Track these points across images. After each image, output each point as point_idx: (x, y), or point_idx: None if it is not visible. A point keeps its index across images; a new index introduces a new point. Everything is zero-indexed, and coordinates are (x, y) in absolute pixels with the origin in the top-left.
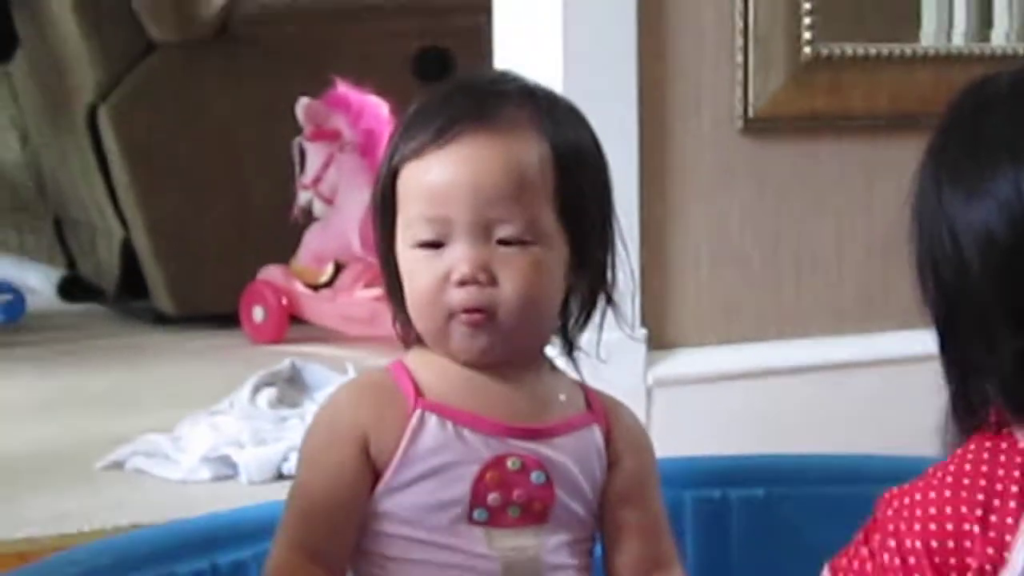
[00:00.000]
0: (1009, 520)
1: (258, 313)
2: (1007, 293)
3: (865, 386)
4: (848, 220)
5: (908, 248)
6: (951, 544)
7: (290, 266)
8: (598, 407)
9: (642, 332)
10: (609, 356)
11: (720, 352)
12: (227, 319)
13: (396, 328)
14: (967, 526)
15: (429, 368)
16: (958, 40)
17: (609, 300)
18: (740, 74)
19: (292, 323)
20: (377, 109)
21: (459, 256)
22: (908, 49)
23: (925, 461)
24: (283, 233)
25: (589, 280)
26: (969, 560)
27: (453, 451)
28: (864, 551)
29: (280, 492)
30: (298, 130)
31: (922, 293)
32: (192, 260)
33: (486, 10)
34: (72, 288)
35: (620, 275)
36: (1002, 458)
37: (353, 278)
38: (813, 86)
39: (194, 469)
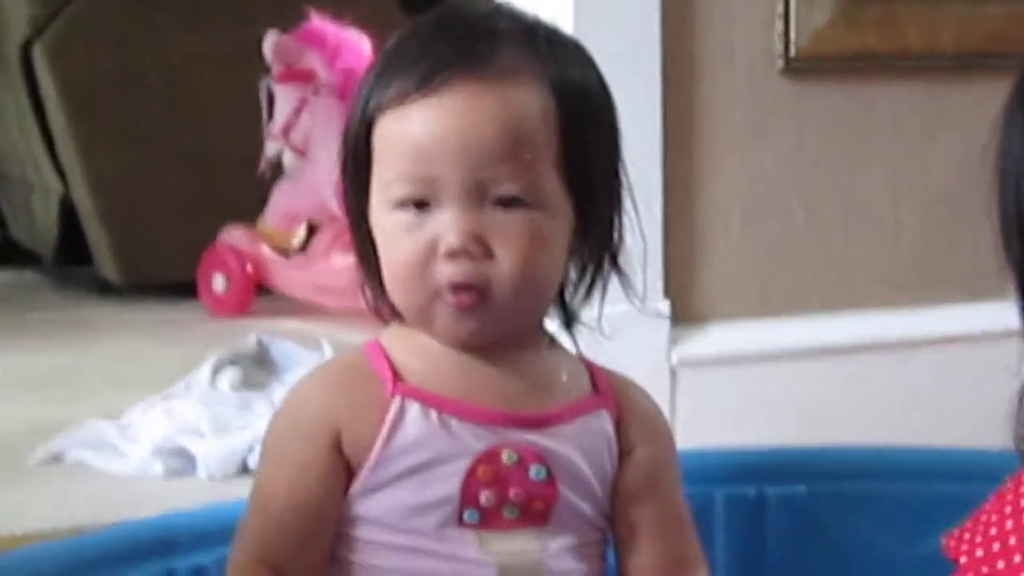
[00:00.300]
0: None
1: (219, 282)
2: None
3: (924, 367)
4: (904, 174)
5: (990, 203)
6: None
7: (256, 227)
8: (606, 388)
9: (664, 304)
10: (626, 332)
11: (755, 327)
12: (183, 288)
13: (367, 301)
14: None
15: (409, 348)
16: None
17: (616, 267)
18: (780, 6)
19: (258, 293)
20: (357, 46)
21: (448, 223)
22: None
23: (992, 456)
24: (248, 189)
25: (595, 246)
26: None
27: (439, 444)
28: None
29: (245, 489)
30: (266, 70)
31: (1006, 255)
32: (142, 221)
33: None
34: (3, 253)
35: (629, 238)
36: None
37: (329, 241)
38: (864, 21)
39: (145, 462)
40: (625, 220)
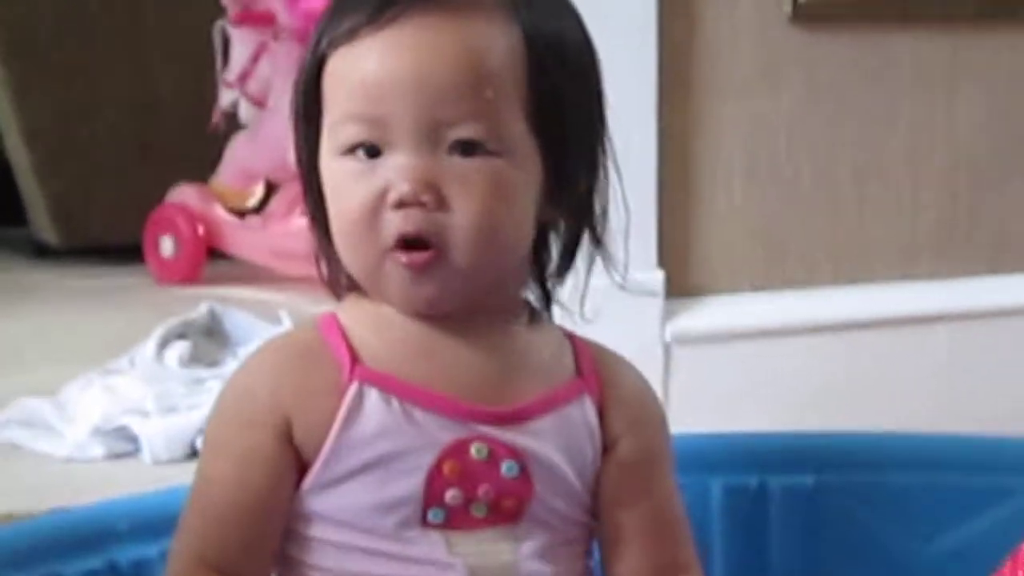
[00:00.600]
0: None
1: (167, 245)
2: None
3: (943, 344)
4: (925, 132)
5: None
6: None
7: (209, 185)
8: (589, 370)
9: (658, 275)
10: (615, 305)
11: (758, 300)
12: (127, 252)
13: (320, 271)
14: None
15: (370, 323)
16: None
17: (596, 241)
18: None
19: (210, 258)
20: None
21: (398, 169)
22: None
23: (1017, 444)
24: (199, 143)
25: (571, 211)
26: None
27: (400, 436)
28: None
29: (193, 474)
30: (220, 11)
31: None
32: (81, 177)
33: None
34: None
35: (612, 209)
36: None
37: (289, 202)
38: None
39: (84, 444)
40: (608, 191)
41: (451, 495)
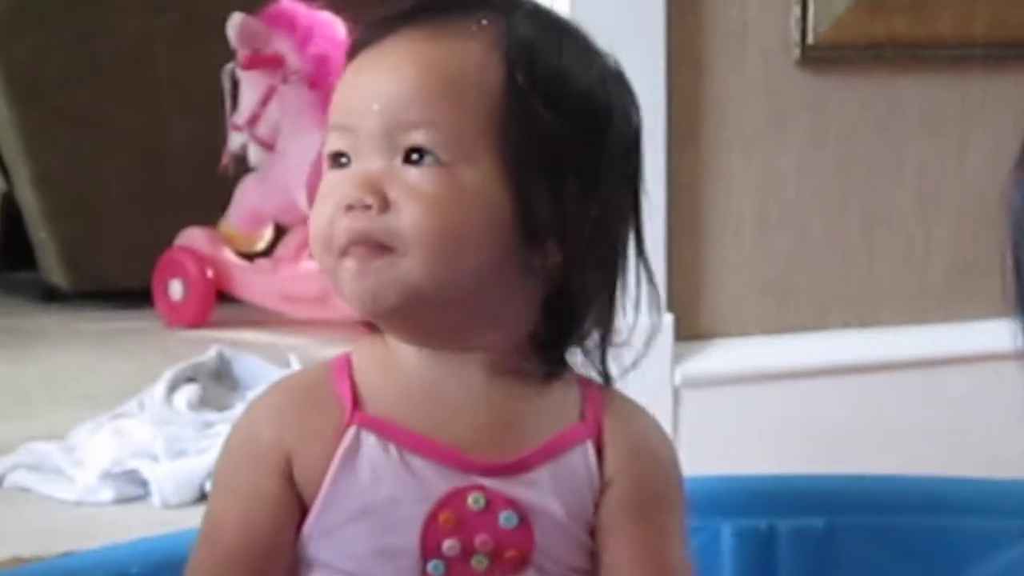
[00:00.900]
0: None
1: (176, 288)
2: None
3: (953, 388)
4: (934, 177)
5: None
6: None
7: (218, 229)
8: (593, 414)
9: (668, 319)
10: (624, 348)
11: (767, 344)
12: (136, 296)
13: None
14: None
15: (378, 367)
16: None
17: (611, 289)
18: None
19: (219, 302)
20: (330, 30)
21: (350, 174)
22: None
23: None
24: (208, 187)
25: (575, 260)
26: None
27: (396, 484)
28: None
29: (202, 517)
30: (230, 55)
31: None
32: (91, 221)
33: None
34: None
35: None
36: None
37: (298, 245)
38: (890, 6)
39: (93, 488)
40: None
41: (448, 545)
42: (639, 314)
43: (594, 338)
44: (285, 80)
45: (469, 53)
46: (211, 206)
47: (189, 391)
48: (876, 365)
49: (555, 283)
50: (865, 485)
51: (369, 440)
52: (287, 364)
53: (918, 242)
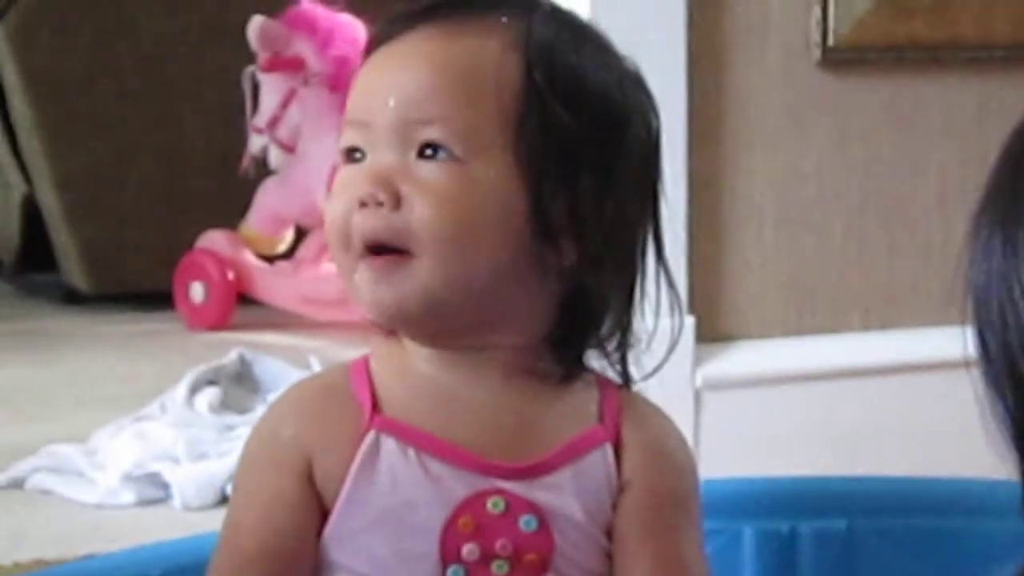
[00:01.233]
0: None
1: (197, 291)
2: None
3: (973, 389)
4: (954, 177)
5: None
6: None
7: (238, 231)
8: (612, 416)
9: (689, 321)
10: (644, 350)
11: (788, 346)
12: (157, 298)
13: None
14: None
15: (395, 370)
16: None
17: (630, 292)
18: None
19: (240, 304)
20: (351, 32)
21: (363, 169)
22: None
23: None
24: (229, 189)
25: (584, 256)
26: None
27: (415, 488)
28: None
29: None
30: (250, 58)
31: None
32: (112, 223)
33: None
34: None
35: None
36: None
37: (319, 247)
38: (911, 7)
39: (115, 490)
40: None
41: (468, 550)
42: (659, 318)
43: (613, 340)
44: (306, 82)
45: (487, 51)
46: (232, 209)
47: (210, 394)
48: (897, 367)
49: (572, 282)
50: (887, 487)
51: (388, 444)
52: (308, 366)
53: (938, 243)
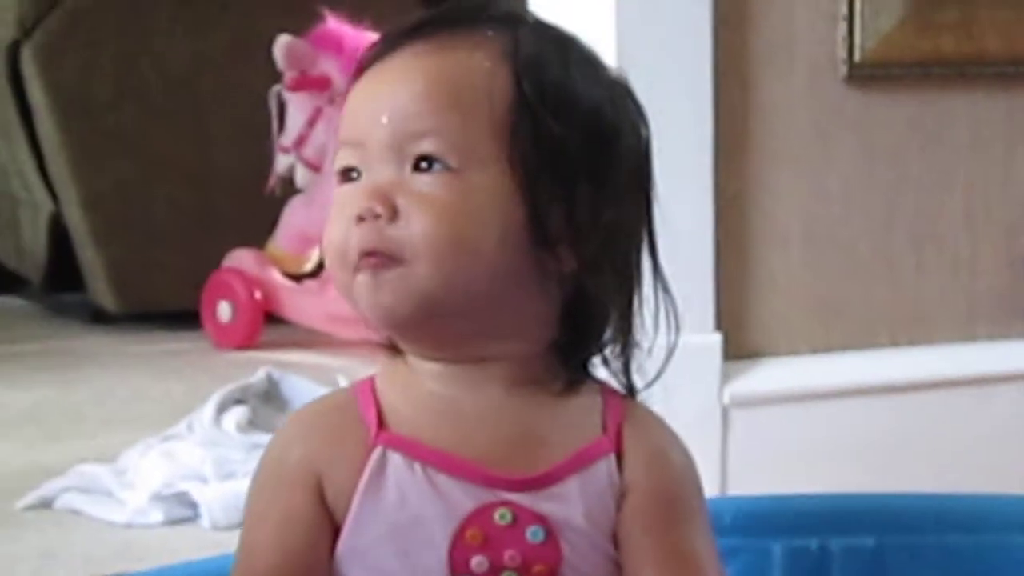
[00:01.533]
0: None
1: (224, 310)
2: None
3: (1003, 406)
4: (982, 196)
5: None
6: None
7: (265, 250)
8: (614, 425)
9: (716, 337)
10: (672, 367)
11: (816, 362)
12: (184, 317)
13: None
14: None
15: (399, 387)
16: None
17: (629, 297)
18: (844, 7)
19: (268, 323)
20: None
21: (360, 186)
22: None
23: None
24: (256, 208)
25: (583, 264)
26: None
27: (422, 502)
28: None
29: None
30: (277, 77)
31: None
32: (139, 242)
33: None
34: None
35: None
36: None
37: None
38: (938, 23)
39: (143, 510)
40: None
41: (476, 562)
42: (658, 324)
43: (615, 347)
44: (332, 101)
45: (477, 63)
46: (258, 227)
47: (238, 413)
48: (925, 383)
49: (572, 288)
50: (916, 504)
51: (395, 460)
52: (335, 385)
53: (966, 260)
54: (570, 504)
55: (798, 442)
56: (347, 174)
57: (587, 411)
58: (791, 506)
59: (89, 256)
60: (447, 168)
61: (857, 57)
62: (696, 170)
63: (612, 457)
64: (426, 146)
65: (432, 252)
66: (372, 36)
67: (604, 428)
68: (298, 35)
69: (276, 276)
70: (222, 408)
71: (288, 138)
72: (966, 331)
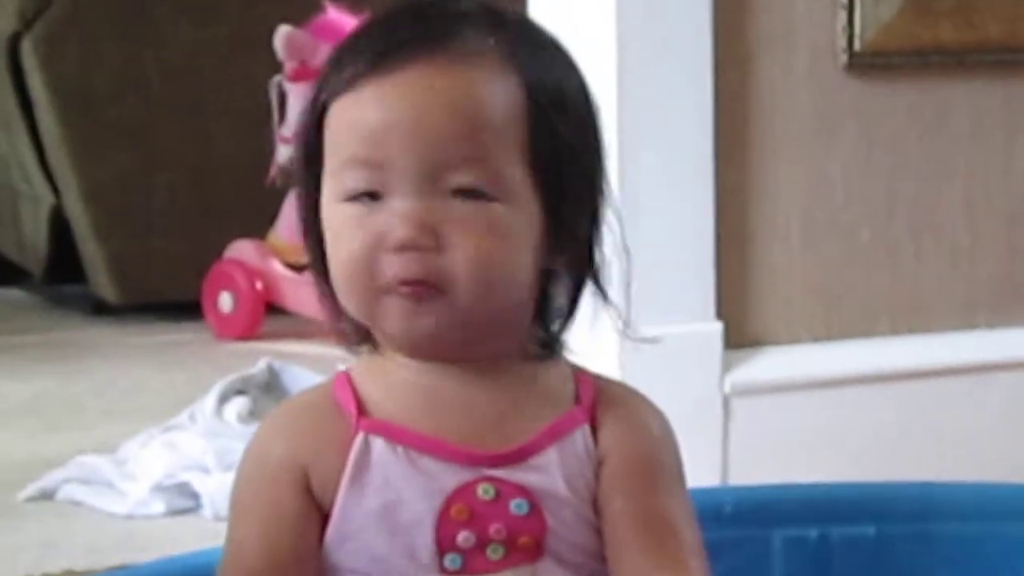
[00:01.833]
0: None
1: (225, 301)
2: None
3: (1002, 394)
4: (982, 184)
5: None
6: None
7: (266, 241)
8: (588, 397)
9: (717, 326)
10: (673, 356)
11: (816, 351)
12: (186, 308)
13: (329, 321)
14: None
15: (376, 377)
16: None
17: (597, 285)
18: None
19: (269, 313)
20: None
21: (397, 212)
22: None
23: None
24: (257, 199)
25: (572, 259)
26: None
27: (407, 483)
28: None
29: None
30: (277, 67)
31: None
32: (140, 234)
33: None
34: None
35: (609, 253)
36: None
37: None
38: (937, 11)
39: (144, 501)
40: (607, 237)
41: (463, 537)
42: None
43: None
44: None
45: (492, 80)
46: (259, 218)
47: (239, 403)
48: (925, 371)
49: (546, 281)
50: (916, 492)
51: (377, 444)
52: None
53: (966, 248)
54: (550, 474)
55: (799, 431)
56: (360, 193)
57: (560, 387)
58: (791, 495)
59: (90, 248)
60: (484, 196)
61: (857, 46)
62: (697, 158)
63: (587, 427)
64: (465, 176)
65: (476, 282)
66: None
67: (578, 401)
68: (298, 25)
69: (277, 267)
70: (223, 399)
71: (289, 129)
72: (966, 319)
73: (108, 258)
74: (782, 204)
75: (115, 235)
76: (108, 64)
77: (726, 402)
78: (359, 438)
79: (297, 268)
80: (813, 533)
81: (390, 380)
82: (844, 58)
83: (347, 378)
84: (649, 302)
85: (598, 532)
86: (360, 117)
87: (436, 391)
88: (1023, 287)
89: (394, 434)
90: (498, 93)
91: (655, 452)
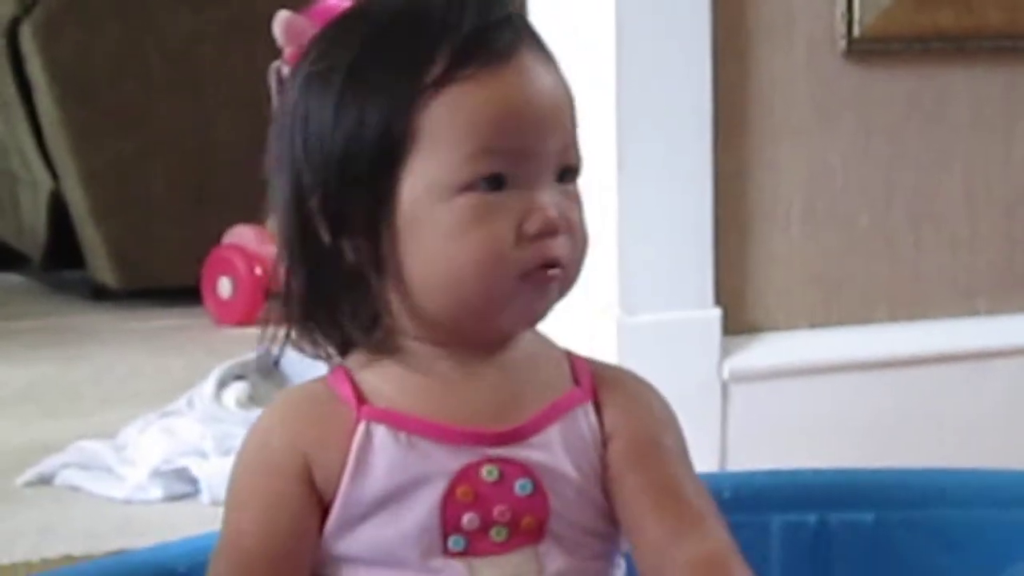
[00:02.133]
0: None
1: (225, 286)
2: None
3: (1001, 381)
4: (981, 171)
5: None
6: None
7: (266, 226)
8: (586, 379)
9: (715, 312)
10: (672, 342)
11: (815, 337)
12: (185, 294)
13: (302, 343)
14: None
15: (372, 368)
16: None
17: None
18: None
19: (268, 299)
20: None
21: (539, 197)
22: None
23: None
24: (256, 185)
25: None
26: None
27: (411, 468)
28: None
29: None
30: (276, 53)
31: None
32: (139, 219)
33: None
34: None
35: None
36: None
37: None
38: None
39: (143, 486)
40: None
41: (468, 519)
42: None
43: None
44: None
45: (558, 66)
46: (258, 203)
47: (238, 388)
48: (924, 358)
49: None
50: (914, 479)
51: (379, 432)
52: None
53: (965, 235)
54: (553, 452)
55: (797, 417)
56: (481, 182)
57: (556, 369)
58: (790, 481)
59: (89, 233)
60: (575, 179)
61: (856, 32)
62: (696, 145)
63: (589, 405)
64: (571, 158)
65: (581, 259)
66: None
67: (576, 382)
68: (297, 11)
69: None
70: (222, 384)
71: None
72: (965, 306)
73: (107, 243)
74: (781, 191)
75: (114, 220)
76: (107, 49)
77: (725, 388)
78: (361, 427)
79: None
80: (811, 519)
81: (387, 370)
82: (843, 44)
83: (343, 370)
84: (648, 288)
85: (601, 512)
86: (485, 106)
87: (433, 375)
88: (1022, 274)
89: (396, 421)
90: (565, 80)
91: (661, 430)
